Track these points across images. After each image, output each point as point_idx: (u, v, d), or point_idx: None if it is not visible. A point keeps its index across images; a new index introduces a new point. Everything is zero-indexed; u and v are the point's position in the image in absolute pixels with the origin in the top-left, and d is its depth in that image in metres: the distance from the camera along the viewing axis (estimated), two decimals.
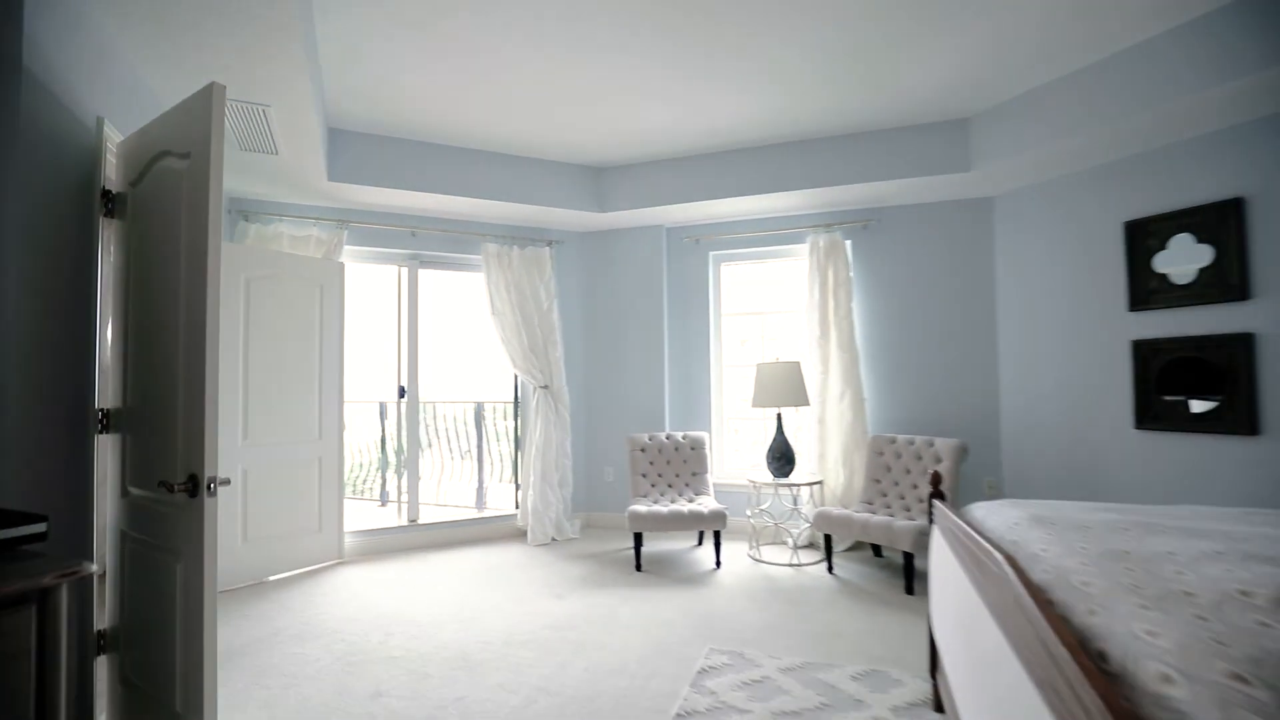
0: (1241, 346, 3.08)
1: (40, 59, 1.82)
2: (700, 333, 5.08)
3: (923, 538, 3.39)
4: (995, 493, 4.29)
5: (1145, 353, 3.49)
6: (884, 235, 4.60)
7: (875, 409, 4.56)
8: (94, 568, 1.26)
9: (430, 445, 6.35)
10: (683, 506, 4.09)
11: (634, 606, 3.35)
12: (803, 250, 4.75)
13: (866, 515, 3.74)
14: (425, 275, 4.88)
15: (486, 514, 5.17)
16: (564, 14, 2.80)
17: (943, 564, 1.93)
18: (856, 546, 4.35)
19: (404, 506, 4.81)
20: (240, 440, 3.76)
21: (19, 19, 1.73)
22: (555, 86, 3.50)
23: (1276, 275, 3.00)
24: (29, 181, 1.80)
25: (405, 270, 4.81)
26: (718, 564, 4.03)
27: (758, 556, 4.23)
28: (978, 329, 4.37)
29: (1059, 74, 3.37)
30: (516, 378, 5.11)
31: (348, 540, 4.37)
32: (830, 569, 3.90)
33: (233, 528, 3.71)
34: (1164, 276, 3.42)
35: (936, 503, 2.19)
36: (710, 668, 2.58)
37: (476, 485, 5.99)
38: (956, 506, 3.72)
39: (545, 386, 4.90)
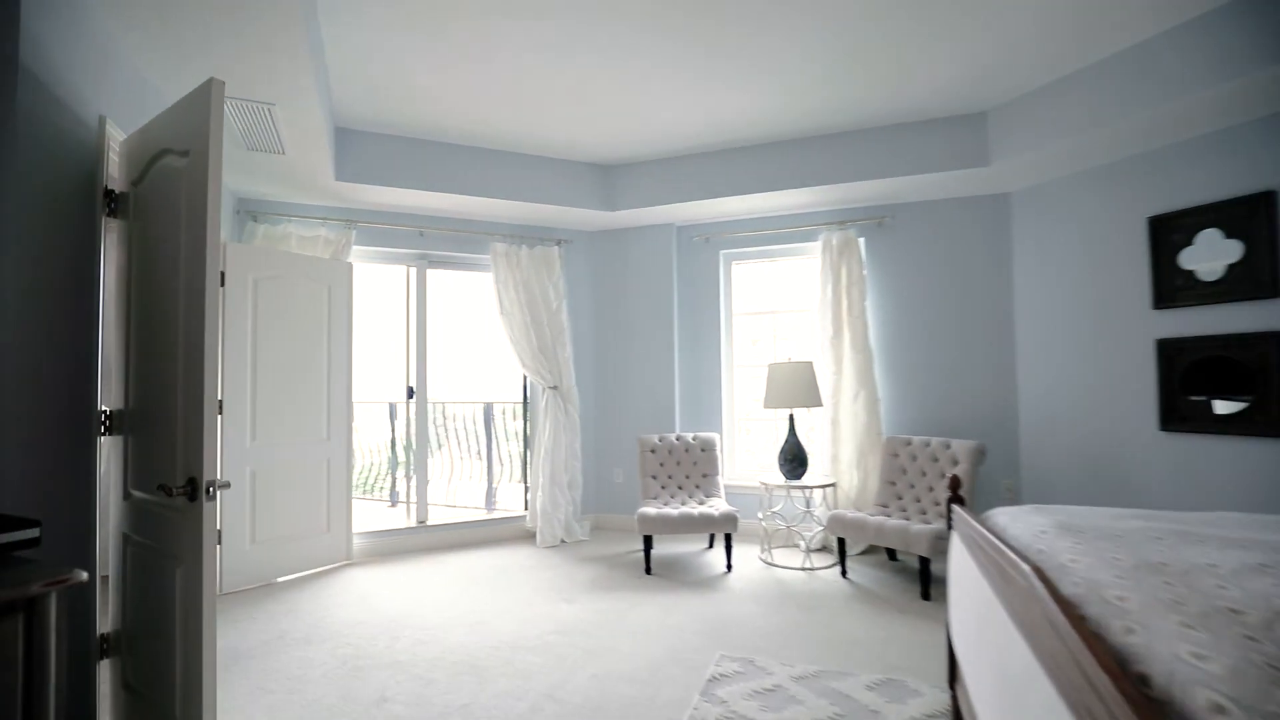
0: (1273, 345, 2.97)
1: (40, 58, 1.80)
2: (711, 332, 5.01)
3: (940, 542, 3.30)
4: (1013, 496, 4.18)
5: (1170, 352, 3.38)
6: (898, 232, 4.51)
7: (890, 410, 4.47)
8: (84, 575, 1.22)
9: (440, 447, 6.33)
10: (693, 509, 4.03)
11: (643, 611, 3.29)
12: (815, 248, 4.67)
13: (881, 519, 3.66)
14: (433, 275, 4.86)
15: (495, 515, 5.14)
16: (572, 10, 2.75)
17: (963, 572, 1.85)
18: (870, 550, 4.26)
19: (413, 508, 4.79)
20: (248, 441, 3.75)
21: (16, 17, 1.71)
22: (564, 83, 3.45)
23: None
24: (29, 181, 1.78)
25: (413, 270, 4.79)
26: (729, 567, 3.97)
27: (769, 560, 4.16)
28: (995, 328, 4.27)
29: (1081, 64, 3.27)
30: (525, 378, 5.07)
31: (356, 541, 4.35)
32: (844, 573, 3.82)
33: (241, 529, 3.70)
34: (1190, 273, 3.31)
35: (956, 508, 2.11)
36: (721, 675, 2.52)
37: (486, 486, 5.96)
38: (974, 510, 3.63)
39: (554, 387, 4.86)
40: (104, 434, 2.12)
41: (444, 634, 3.01)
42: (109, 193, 2.16)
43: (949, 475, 3.70)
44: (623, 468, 5.10)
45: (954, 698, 2.15)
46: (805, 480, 4.14)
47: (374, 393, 6.35)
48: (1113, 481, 3.64)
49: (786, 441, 4.19)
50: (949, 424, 4.30)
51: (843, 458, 4.39)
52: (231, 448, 3.67)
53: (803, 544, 4.23)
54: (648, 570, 3.94)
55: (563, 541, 4.71)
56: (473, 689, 2.47)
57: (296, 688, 2.49)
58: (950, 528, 2.19)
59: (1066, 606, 1.06)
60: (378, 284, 5.51)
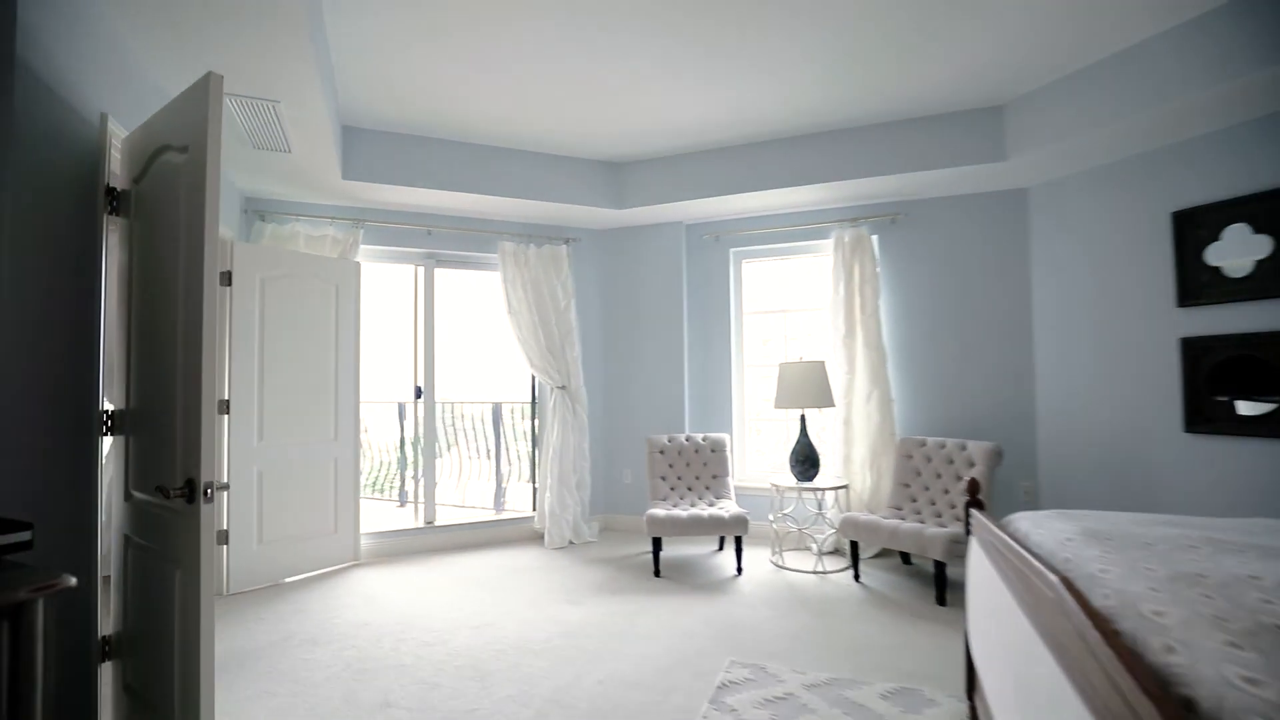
0: None
1: (39, 54, 1.77)
2: (721, 332, 4.95)
3: (956, 546, 3.22)
4: (1031, 498, 4.09)
5: (1196, 351, 3.28)
6: (912, 229, 4.42)
7: (903, 410, 4.38)
8: (73, 580, 1.19)
9: (449, 448, 6.31)
10: (703, 510, 3.97)
11: (652, 614, 3.23)
12: (827, 246, 4.59)
13: (895, 521, 3.58)
14: (441, 274, 4.83)
15: (503, 516, 5.11)
16: (580, 6, 2.70)
17: (983, 580, 1.78)
18: (884, 553, 4.18)
19: (421, 508, 4.76)
20: (256, 441, 3.74)
21: (13, 12, 1.68)
22: (572, 80, 3.40)
23: None
24: (29, 179, 1.76)
25: (421, 270, 4.76)
26: (739, 570, 3.90)
27: (780, 563, 4.09)
28: (1012, 326, 4.17)
29: (1102, 55, 3.17)
30: (534, 378, 5.04)
31: (364, 542, 4.33)
32: (857, 577, 3.74)
33: (248, 529, 3.69)
34: (1216, 270, 3.20)
35: (974, 512, 2.04)
36: (731, 682, 2.46)
37: (495, 487, 5.94)
38: (991, 514, 3.54)
39: (563, 387, 4.81)
40: (106, 434, 2.10)
41: (449, 636, 2.98)
42: (111, 190, 2.13)
43: (966, 478, 3.62)
44: (631, 468, 5.05)
45: (972, 708, 2.08)
46: (817, 482, 4.07)
47: (383, 393, 6.36)
48: (1134, 484, 3.53)
49: (798, 442, 4.12)
50: (964, 425, 4.21)
51: (855, 459, 4.31)
52: (239, 448, 3.66)
53: (814, 547, 4.16)
54: (656, 573, 3.88)
55: (571, 543, 4.67)
56: (477, 694, 2.42)
57: (300, 691, 2.46)
58: (969, 533, 2.12)
59: (1099, 620, 0.99)
60: (386, 283, 5.51)
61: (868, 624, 3.07)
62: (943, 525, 3.51)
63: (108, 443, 2.16)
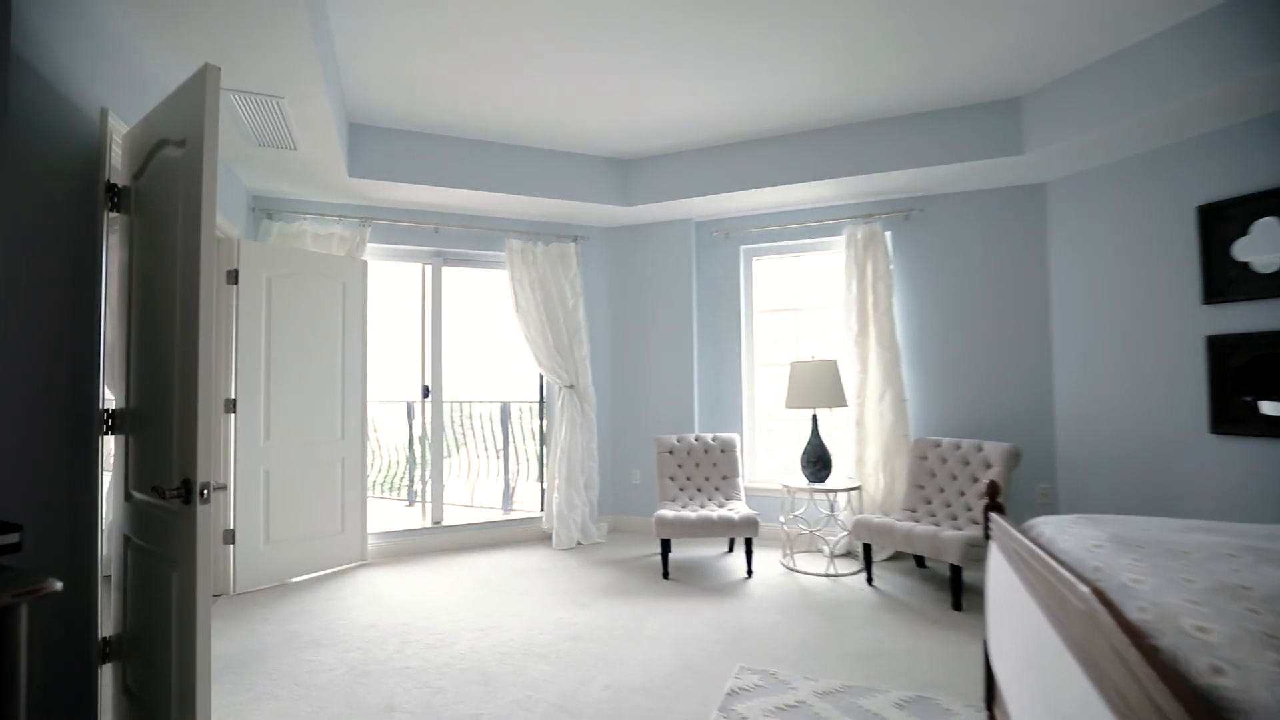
0: None
1: (36, 49, 1.75)
2: (731, 330, 4.88)
3: (973, 549, 3.14)
4: (1049, 501, 3.98)
5: (1222, 349, 3.17)
6: (927, 225, 4.33)
7: (918, 410, 4.29)
8: (57, 585, 1.15)
9: (458, 449, 6.29)
10: (712, 512, 3.91)
11: (660, 618, 3.18)
12: (839, 243, 4.50)
13: (910, 524, 3.50)
14: (449, 273, 4.80)
15: (511, 516, 5.07)
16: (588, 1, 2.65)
17: (1004, 587, 1.71)
18: (897, 556, 4.09)
19: (428, 508, 4.73)
20: (262, 440, 3.72)
21: (7, 6, 1.65)
22: (580, 75, 3.35)
23: None
24: (28, 176, 1.73)
25: (429, 268, 4.73)
26: (749, 573, 3.83)
27: (791, 565, 4.02)
28: (1030, 324, 4.07)
29: (1123, 45, 3.07)
30: (542, 377, 4.99)
31: (371, 542, 4.31)
32: (870, 580, 3.66)
33: (255, 529, 3.67)
34: (1245, 265, 3.09)
35: (994, 516, 1.96)
36: (741, 689, 2.40)
37: (503, 487, 5.90)
38: (1009, 517, 3.45)
39: (571, 386, 4.77)
40: (106, 433, 2.08)
41: (454, 639, 2.93)
42: (111, 187, 2.11)
43: (984, 480, 3.54)
44: (640, 468, 5.00)
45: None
46: (829, 483, 3.99)
47: (392, 392, 6.35)
48: (1157, 487, 3.43)
49: (809, 443, 4.04)
50: (980, 425, 4.11)
51: (868, 460, 4.23)
52: (245, 447, 3.64)
53: (826, 549, 4.08)
54: (665, 575, 3.82)
55: (579, 543, 4.62)
56: (481, 698, 2.38)
57: (303, 694, 2.43)
58: (988, 537, 2.04)
59: (1136, 636, 0.92)
60: (393, 282, 5.49)
61: (881, 629, 2.99)
62: (959, 528, 3.42)
63: (110, 442, 2.13)
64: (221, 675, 2.58)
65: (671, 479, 4.32)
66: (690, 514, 3.85)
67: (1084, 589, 1.08)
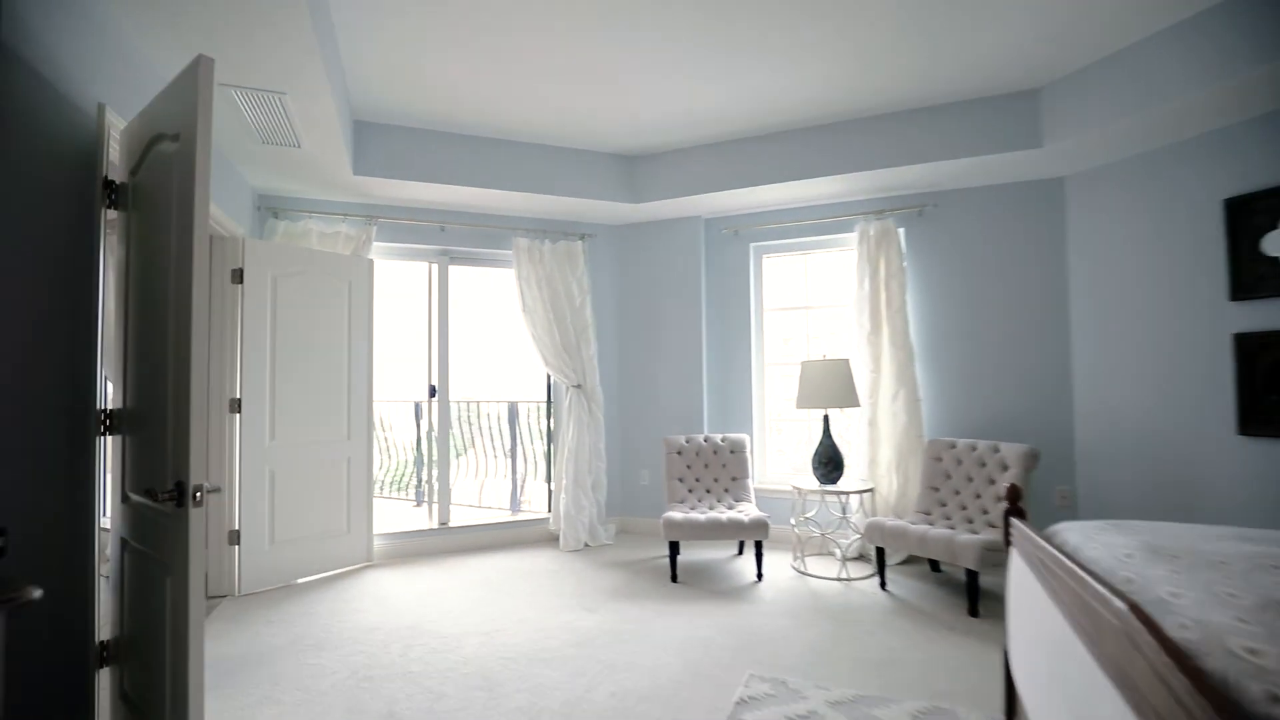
0: None
1: (31, 44, 1.71)
2: (740, 329, 4.80)
3: (990, 554, 3.05)
4: (1067, 503, 3.88)
5: (1251, 348, 3.06)
6: (941, 221, 4.23)
7: (932, 410, 4.19)
8: (36, 593, 1.11)
9: (465, 450, 6.26)
10: (721, 514, 3.84)
11: (668, 622, 3.11)
12: (851, 239, 4.42)
13: (924, 527, 3.41)
14: (455, 272, 4.76)
15: (519, 518, 5.03)
16: None
17: (1026, 596, 1.63)
18: (911, 560, 4.00)
19: (435, 509, 4.70)
20: (267, 440, 3.70)
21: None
22: (587, 71, 3.30)
23: None
24: (22, 172, 1.70)
25: (435, 267, 4.69)
26: (759, 576, 3.76)
27: (802, 569, 3.94)
28: (1048, 323, 3.97)
29: (1146, 33, 2.97)
30: (549, 377, 4.94)
31: (377, 543, 4.28)
32: (883, 585, 3.58)
33: (260, 529, 3.65)
34: (1274, 260, 2.98)
35: (1015, 521, 1.88)
36: (750, 698, 2.33)
37: (511, 488, 5.86)
38: (1030, 521, 3.36)
39: (578, 386, 4.71)
40: (104, 434, 2.04)
41: (459, 643, 2.89)
42: (109, 183, 2.08)
43: (1001, 482, 3.45)
44: (649, 469, 4.93)
45: None
46: (841, 485, 3.90)
47: (400, 392, 6.33)
48: (1182, 490, 3.32)
49: (821, 443, 3.96)
50: (996, 426, 4.01)
51: (881, 461, 4.14)
52: (250, 447, 3.62)
53: (838, 552, 4.00)
54: (673, 578, 3.76)
55: (586, 545, 4.56)
56: (484, 705, 2.33)
57: (305, 699, 2.39)
58: (1008, 543, 1.96)
59: (1181, 658, 0.85)
60: (400, 281, 5.46)
61: (895, 636, 2.91)
62: (974, 532, 3.33)
63: (109, 444, 2.10)
64: (224, 679, 2.55)
65: (680, 480, 4.25)
66: (699, 516, 3.79)
67: (1119, 604, 1.01)
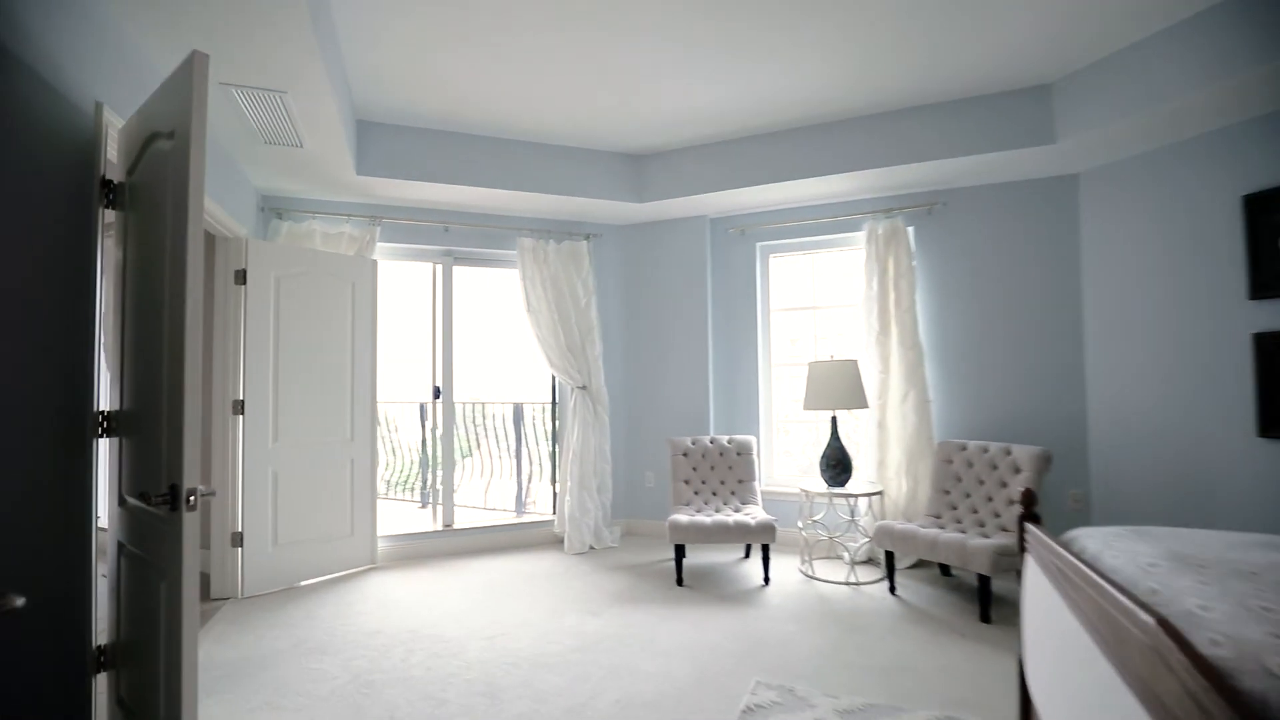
0: None
1: (26, 42, 1.69)
2: (747, 330, 4.75)
3: (1002, 559, 2.98)
4: (1080, 507, 3.80)
5: (1271, 347, 2.98)
6: (951, 220, 4.16)
7: (942, 412, 4.13)
8: (19, 601, 1.08)
9: (470, 453, 6.24)
10: (728, 517, 3.78)
11: (674, 627, 3.07)
12: (859, 239, 4.36)
13: (935, 531, 3.35)
14: (460, 272, 4.73)
15: (523, 520, 4.99)
16: None
17: (1042, 605, 1.57)
18: (921, 564, 3.94)
19: (439, 511, 4.67)
20: (270, 442, 3.68)
21: None
22: (592, 68, 3.26)
23: None
24: (19, 172, 1.67)
25: (439, 267, 4.67)
26: (766, 580, 3.70)
27: (810, 573, 3.88)
28: (1060, 322, 3.90)
29: (1165, 24, 2.89)
30: (554, 378, 4.91)
31: (381, 545, 4.25)
32: (892, 589, 3.52)
33: (263, 531, 3.63)
34: None
35: (1030, 527, 1.83)
36: (757, 706, 2.28)
37: (516, 490, 5.83)
38: (1045, 527, 3.28)
39: (583, 387, 4.67)
40: (101, 435, 2.02)
41: (461, 647, 2.85)
42: (107, 183, 2.05)
43: (1013, 485, 3.38)
44: (654, 471, 4.89)
45: None
46: (849, 487, 3.84)
47: (405, 393, 6.31)
48: (1200, 494, 3.24)
49: (829, 445, 3.90)
50: (1008, 427, 3.94)
51: (890, 463, 4.07)
52: (253, 448, 3.60)
53: (846, 556, 3.93)
54: (679, 581, 3.71)
55: (591, 548, 4.52)
56: (485, 711, 2.29)
57: (305, 704, 2.36)
58: (1023, 549, 1.90)
59: (1215, 677, 0.80)
60: (404, 282, 5.44)
61: (905, 642, 2.85)
62: (986, 536, 3.27)
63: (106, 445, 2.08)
64: (223, 683, 2.52)
65: (686, 482, 4.20)
66: (705, 519, 3.74)
67: (1147, 618, 0.95)
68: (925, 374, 4.05)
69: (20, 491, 1.69)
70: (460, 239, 4.62)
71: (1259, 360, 3.02)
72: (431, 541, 4.44)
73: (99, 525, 2.03)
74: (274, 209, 4.11)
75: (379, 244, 4.36)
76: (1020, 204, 4.00)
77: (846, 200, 4.42)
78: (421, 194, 4.23)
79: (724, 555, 4.29)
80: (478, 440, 6.24)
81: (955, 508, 3.63)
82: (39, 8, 1.76)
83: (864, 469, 4.16)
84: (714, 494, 4.20)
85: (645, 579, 3.83)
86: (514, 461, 5.96)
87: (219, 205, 3.23)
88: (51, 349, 1.84)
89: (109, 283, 2.14)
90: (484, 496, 6.02)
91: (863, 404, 3.86)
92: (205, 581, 3.62)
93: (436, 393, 4.65)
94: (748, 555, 4.25)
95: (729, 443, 4.31)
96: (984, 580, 3.07)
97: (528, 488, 5.83)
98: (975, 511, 3.53)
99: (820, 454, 3.93)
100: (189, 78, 1.60)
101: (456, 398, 4.68)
